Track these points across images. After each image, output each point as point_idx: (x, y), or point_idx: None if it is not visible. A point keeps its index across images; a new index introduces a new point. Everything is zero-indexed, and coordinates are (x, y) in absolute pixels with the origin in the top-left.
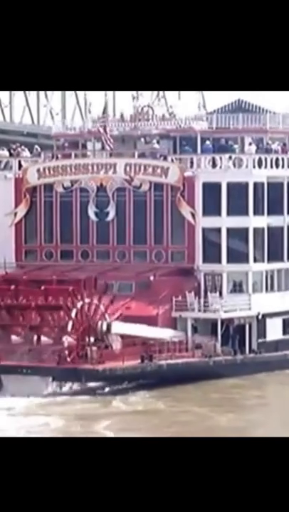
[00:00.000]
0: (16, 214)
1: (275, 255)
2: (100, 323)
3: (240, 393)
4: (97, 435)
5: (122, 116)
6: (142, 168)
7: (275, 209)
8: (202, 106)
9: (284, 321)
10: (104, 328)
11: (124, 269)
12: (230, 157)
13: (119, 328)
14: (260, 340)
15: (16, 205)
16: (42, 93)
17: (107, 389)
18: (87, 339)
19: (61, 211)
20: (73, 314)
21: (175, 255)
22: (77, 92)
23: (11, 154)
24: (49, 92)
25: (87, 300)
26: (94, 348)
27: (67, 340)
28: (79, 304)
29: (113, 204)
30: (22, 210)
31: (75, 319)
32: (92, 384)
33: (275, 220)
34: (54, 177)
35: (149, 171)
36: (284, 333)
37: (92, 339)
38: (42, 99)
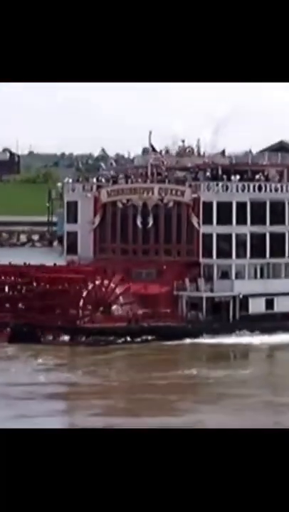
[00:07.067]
0: (94, 223)
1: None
2: None
3: None
4: None
5: (167, 151)
6: (169, 191)
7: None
8: None
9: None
10: None
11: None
12: (217, 184)
13: None
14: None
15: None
16: None
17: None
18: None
19: (121, 220)
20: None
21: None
22: None
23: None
24: None
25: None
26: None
27: None
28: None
29: (151, 216)
30: (97, 220)
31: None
32: None
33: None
34: (116, 196)
35: (173, 193)
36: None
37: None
38: None
